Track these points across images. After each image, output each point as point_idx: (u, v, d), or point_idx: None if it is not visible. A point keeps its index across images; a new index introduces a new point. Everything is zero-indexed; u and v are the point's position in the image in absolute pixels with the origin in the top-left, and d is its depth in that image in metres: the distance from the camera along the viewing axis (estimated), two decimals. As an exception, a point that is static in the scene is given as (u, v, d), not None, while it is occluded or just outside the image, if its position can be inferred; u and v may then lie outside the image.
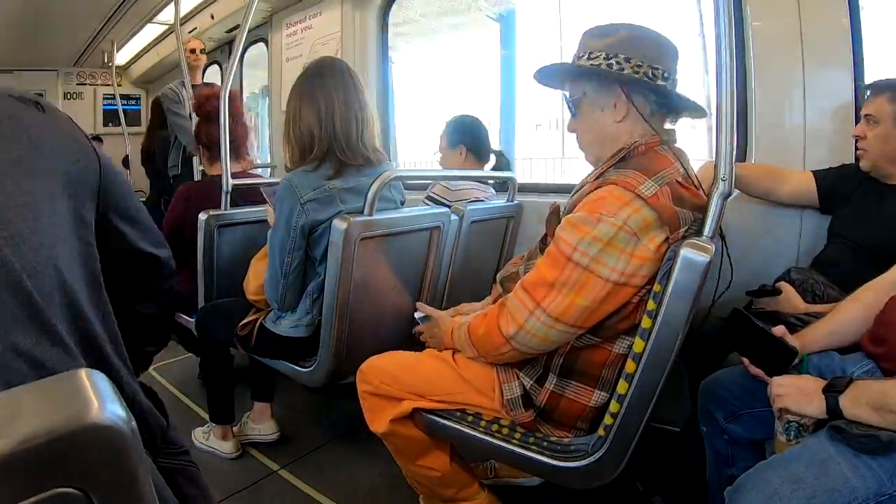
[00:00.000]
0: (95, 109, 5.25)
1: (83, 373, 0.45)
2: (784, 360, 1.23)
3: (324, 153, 1.68)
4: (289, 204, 1.64)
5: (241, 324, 1.86)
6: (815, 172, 1.80)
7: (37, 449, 0.39)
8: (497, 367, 1.38)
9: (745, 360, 1.27)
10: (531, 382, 1.33)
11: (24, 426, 0.39)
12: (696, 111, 1.32)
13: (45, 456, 0.39)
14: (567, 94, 1.35)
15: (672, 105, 1.29)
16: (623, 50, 1.22)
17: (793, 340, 1.25)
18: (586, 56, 1.27)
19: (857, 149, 1.69)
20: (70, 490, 0.40)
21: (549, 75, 1.39)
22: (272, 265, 1.71)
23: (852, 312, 1.27)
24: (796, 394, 1.08)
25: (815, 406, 1.04)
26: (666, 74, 1.24)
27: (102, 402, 0.42)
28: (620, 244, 1.13)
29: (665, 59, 1.24)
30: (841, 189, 1.74)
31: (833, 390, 1.03)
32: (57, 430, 0.40)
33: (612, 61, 1.23)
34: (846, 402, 1.00)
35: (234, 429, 2.21)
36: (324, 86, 1.69)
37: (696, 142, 3.13)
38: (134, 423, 0.43)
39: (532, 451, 1.32)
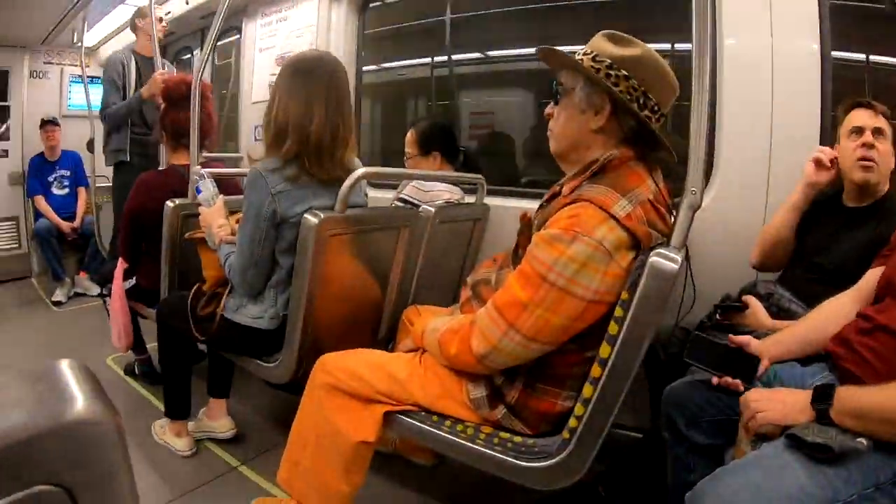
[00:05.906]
0: (62, 90, 5.01)
1: (66, 364, 0.43)
2: (749, 369, 1.26)
3: (293, 156, 1.63)
4: (258, 195, 1.61)
5: (200, 313, 1.81)
6: None
7: (17, 445, 0.37)
8: None
9: (714, 378, 1.29)
10: (502, 379, 1.34)
11: (3, 421, 0.37)
12: (668, 153, 1.32)
13: (25, 452, 0.37)
14: (559, 79, 1.32)
15: (648, 138, 1.28)
16: (628, 67, 1.22)
17: (756, 348, 1.29)
18: (592, 56, 1.26)
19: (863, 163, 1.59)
20: (51, 488, 0.38)
21: (553, 56, 1.36)
22: (241, 254, 1.67)
23: (819, 321, 1.32)
24: (783, 408, 1.09)
25: (805, 418, 1.05)
26: (656, 108, 1.25)
27: (87, 395, 0.41)
28: (596, 263, 1.14)
29: (663, 93, 1.26)
30: (808, 220, 1.74)
31: (822, 402, 1.04)
32: (39, 425, 0.38)
33: (612, 73, 1.23)
34: (833, 413, 1.01)
35: (190, 425, 2.16)
36: (310, 86, 1.63)
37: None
38: (120, 418, 0.41)
39: (496, 451, 1.33)
